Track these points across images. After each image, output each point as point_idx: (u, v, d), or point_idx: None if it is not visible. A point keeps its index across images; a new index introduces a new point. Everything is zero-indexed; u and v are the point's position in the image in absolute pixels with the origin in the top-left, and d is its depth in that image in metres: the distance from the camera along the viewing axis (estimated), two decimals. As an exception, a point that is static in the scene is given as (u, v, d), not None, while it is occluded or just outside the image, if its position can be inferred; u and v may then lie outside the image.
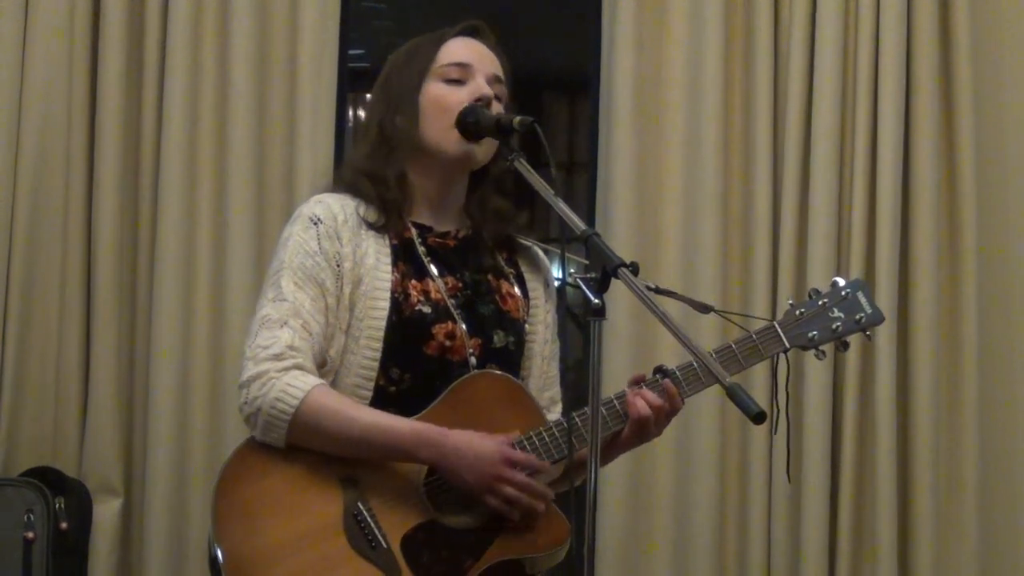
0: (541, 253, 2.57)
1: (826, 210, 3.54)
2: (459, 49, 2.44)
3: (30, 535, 3.18)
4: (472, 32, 2.49)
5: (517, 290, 2.50)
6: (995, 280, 3.64)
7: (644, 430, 2.34)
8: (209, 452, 3.42)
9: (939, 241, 3.58)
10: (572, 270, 2.25)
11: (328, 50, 3.55)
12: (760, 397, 3.40)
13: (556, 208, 2.18)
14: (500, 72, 2.45)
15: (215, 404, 3.45)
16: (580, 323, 2.63)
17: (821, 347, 2.44)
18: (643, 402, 2.32)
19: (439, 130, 2.39)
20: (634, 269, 2.06)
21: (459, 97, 2.38)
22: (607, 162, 3.60)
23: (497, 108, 2.40)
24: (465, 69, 2.41)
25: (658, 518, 3.52)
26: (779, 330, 2.42)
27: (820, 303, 2.44)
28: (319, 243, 2.34)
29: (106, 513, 3.43)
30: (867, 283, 2.52)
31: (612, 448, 2.38)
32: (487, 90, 2.39)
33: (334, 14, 3.57)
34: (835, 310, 2.44)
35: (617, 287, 2.06)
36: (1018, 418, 3.63)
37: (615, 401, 2.34)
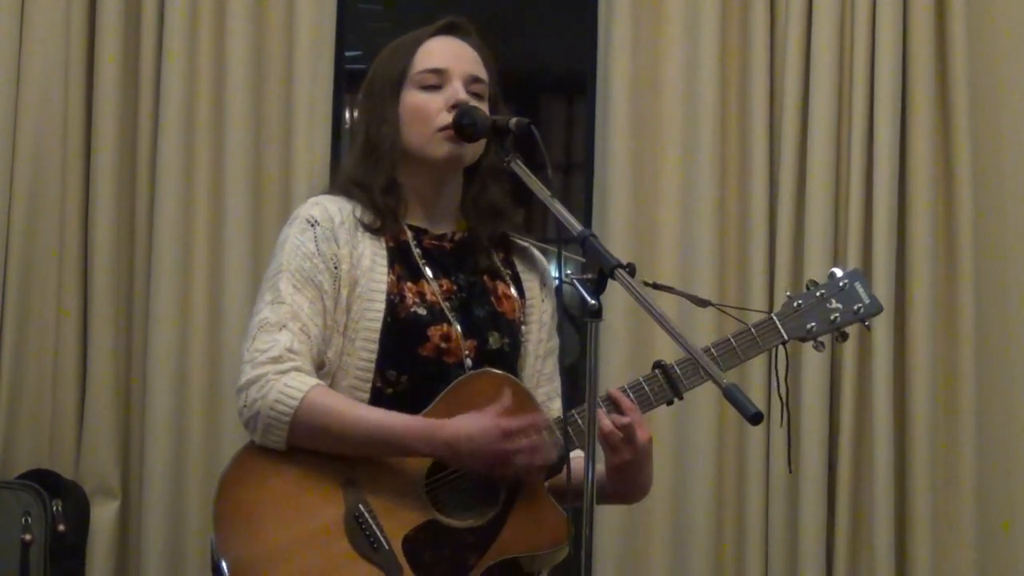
0: (537, 252, 2.57)
1: (823, 210, 3.54)
2: (435, 53, 2.43)
3: (27, 538, 3.18)
4: (450, 30, 2.47)
5: (513, 290, 2.49)
6: (992, 274, 3.64)
7: (615, 451, 2.30)
8: (206, 454, 3.43)
9: (936, 236, 3.59)
10: (569, 271, 2.25)
11: (325, 52, 3.55)
12: (757, 390, 3.42)
13: (553, 209, 2.19)
14: (480, 70, 2.44)
15: (212, 406, 3.45)
16: (577, 324, 2.63)
17: (820, 338, 2.44)
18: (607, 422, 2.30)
19: (421, 136, 2.39)
20: (631, 270, 2.05)
21: (436, 105, 2.38)
22: (604, 163, 3.60)
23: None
24: (440, 74, 2.40)
25: (656, 516, 3.52)
26: (777, 322, 2.41)
27: (818, 294, 2.43)
28: (316, 245, 2.34)
29: (103, 515, 3.43)
30: (864, 273, 2.51)
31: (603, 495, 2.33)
32: (462, 95, 2.38)
33: (330, 15, 3.57)
34: (833, 301, 2.43)
35: (614, 287, 2.06)
36: (1016, 410, 3.63)
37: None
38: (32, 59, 3.48)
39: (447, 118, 2.37)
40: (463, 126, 2.35)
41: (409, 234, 2.43)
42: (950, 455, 3.59)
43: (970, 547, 3.55)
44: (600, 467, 2.31)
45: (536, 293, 2.53)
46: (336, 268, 2.34)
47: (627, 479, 2.34)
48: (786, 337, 2.41)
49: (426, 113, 2.39)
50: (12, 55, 3.46)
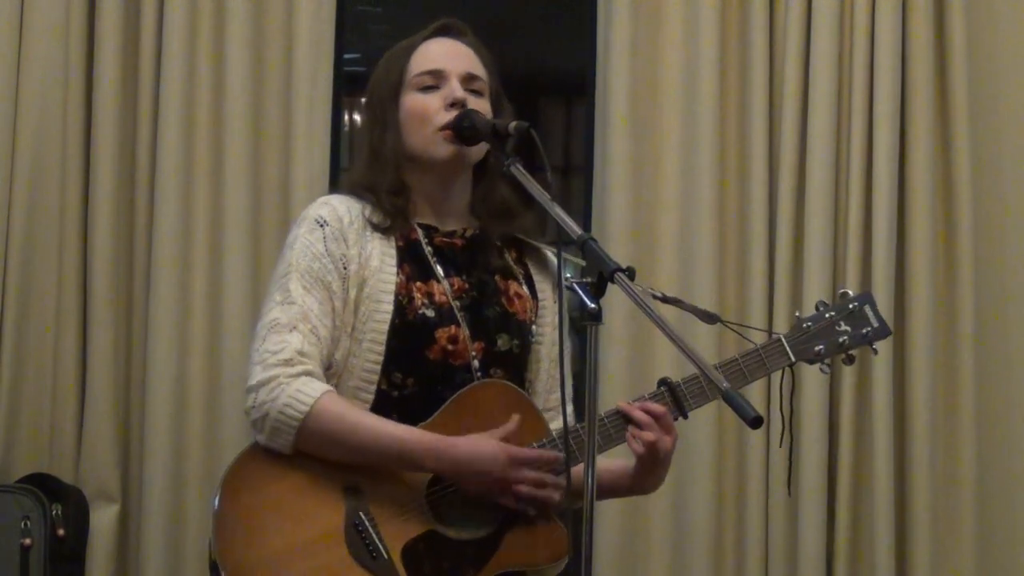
0: (550, 254, 2.57)
1: (822, 214, 3.53)
2: (430, 54, 2.44)
3: (27, 542, 3.18)
4: (445, 31, 2.49)
5: (526, 290, 2.50)
6: (991, 287, 3.63)
7: (650, 448, 2.30)
8: (206, 458, 3.42)
9: (935, 248, 3.58)
10: (569, 274, 2.24)
11: (323, 54, 3.55)
12: (756, 405, 3.40)
13: (552, 213, 2.19)
14: (477, 68, 2.45)
15: (212, 410, 3.44)
16: (577, 328, 2.63)
17: (826, 361, 2.43)
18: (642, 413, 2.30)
19: (423, 138, 2.40)
20: (630, 274, 2.05)
21: (435, 105, 2.39)
22: (603, 166, 3.60)
23: (475, 104, 2.39)
24: (437, 75, 2.42)
25: (655, 525, 3.51)
26: (785, 344, 2.41)
27: (828, 316, 2.43)
28: (325, 245, 2.35)
29: (103, 519, 3.42)
30: (873, 297, 2.51)
31: (615, 488, 2.37)
32: (459, 93, 2.39)
33: (329, 18, 3.56)
34: (842, 323, 2.43)
35: (614, 292, 2.06)
36: (1015, 425, 3.62)
37: (608, 420, 2.34)
38: (32, 59, 3.47)
39: (446, 117, 2.38)
40: (463, 130, 2.35)
41: (419, 232, 2.43)
42: (950, 455, 3.58)
43: (970, 548, 3.55)
44: (604, 465, 2.32)
45: (549, 295, 2.53)
46: (345, 268, 2.35)
47: (647, 472, 2.35)
48: (794, 359, 2.41)
49: (425, 114, 2.40)
50: (12, 55, 3.45)
